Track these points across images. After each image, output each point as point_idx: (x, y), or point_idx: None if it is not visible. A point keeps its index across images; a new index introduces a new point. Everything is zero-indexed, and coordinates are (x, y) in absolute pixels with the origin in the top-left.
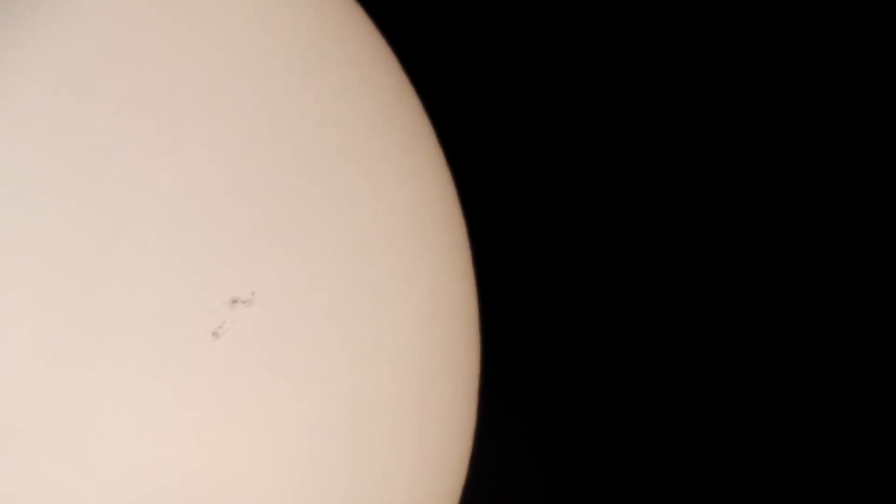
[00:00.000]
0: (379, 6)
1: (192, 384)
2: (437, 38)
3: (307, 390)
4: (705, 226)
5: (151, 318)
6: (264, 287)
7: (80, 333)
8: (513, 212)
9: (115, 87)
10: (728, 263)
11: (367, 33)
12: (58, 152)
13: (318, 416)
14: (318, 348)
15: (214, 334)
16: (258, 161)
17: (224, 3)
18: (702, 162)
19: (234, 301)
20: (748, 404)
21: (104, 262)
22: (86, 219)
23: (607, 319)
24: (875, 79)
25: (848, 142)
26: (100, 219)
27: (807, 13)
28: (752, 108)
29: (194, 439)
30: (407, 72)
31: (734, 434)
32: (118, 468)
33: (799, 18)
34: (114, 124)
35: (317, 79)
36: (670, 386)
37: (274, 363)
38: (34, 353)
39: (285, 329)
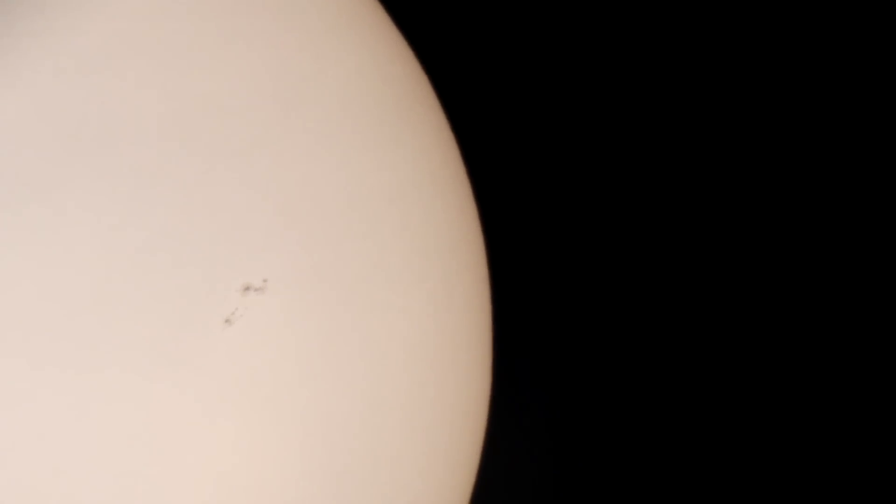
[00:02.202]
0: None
1: (204, 371)
2: (451, 29)
3: (319, 377)
4: (716, 224)
5: (164, 305)
6: (276, 274)
7: (92, 321)
8: (526, 201)
9: (130, 76)
10: (742, 266)
11: (380, 22)
12: (72, 140)
13: (330, 403)
14: (330, 335)
15: (227, 321)
16: (271, 149)
17: None
18: (717, 160)
19: (247, 288)
20: (754, 411)
21: (117, 249)
22: (99, 206)
23: (620, 310)
24: (875, 79)
25: (848, 142)
26: (113, 206)
27: (806, 13)
28: (768, 107)
29: (206, 425)
30: (422, 64)
31: (736, 432)
32: (130, 454)
33: (799, 18)
34: (127, 112)
35: (330, 67)
36: (684, 380)
37: (286, 350)
38: (47, 339)
39: (297, 316)
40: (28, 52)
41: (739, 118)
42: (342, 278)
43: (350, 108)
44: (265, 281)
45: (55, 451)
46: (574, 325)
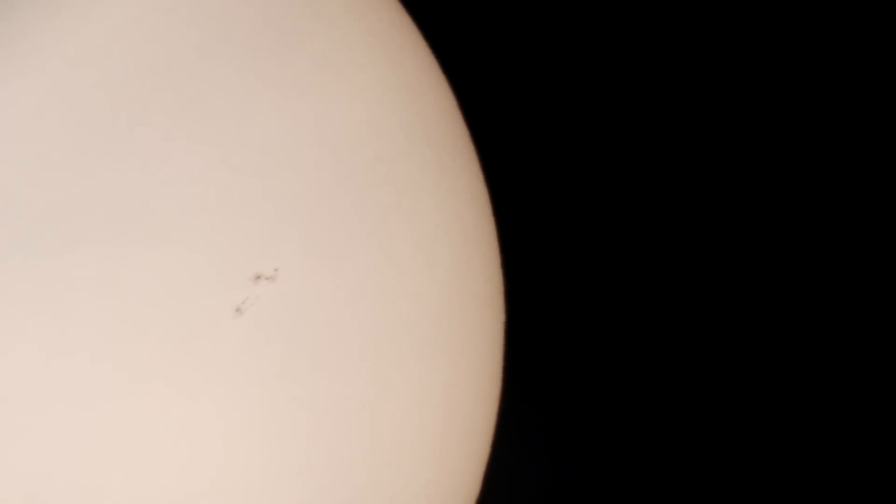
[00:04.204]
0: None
1: (215, 360)
2: (470, 28)
3: (330, 366)
4: (734, 226)
5: (175, 294)
6: (287, 263)
7: (101, 310)
8: (539, 191)
9: (141, 63)
10: (757, 270)
11: (395, 19)
12: (81, 129)
13: (341, 392)
14: (342, 324)
15: (238, 310)
16: (283, 138)
17: None
18: (733, 158)
19: (258, 277)
20: (761, 416)
21: (127, 238)
22: (109, 195)
23: (633, 303)
24: (875, 79)
25: (848, 142)
26: (124, 194)
27: (807, 13)
28: (779, 106)
29: (217, 415)
30: (435, 55)
31: (743, 439)
32: (141, 443)
33: (800, 18)
34: (138, 100)
35: (342, 55)
36: (697, 382)
37: (297, 339)
38: (55, 328)
39: (308, 305)
40: (36, 40)
41: (748, 118)
42: (353, 267)
43: (362, 97)
44: (276, 270)
45: (62, 442)
46: (587, 323)
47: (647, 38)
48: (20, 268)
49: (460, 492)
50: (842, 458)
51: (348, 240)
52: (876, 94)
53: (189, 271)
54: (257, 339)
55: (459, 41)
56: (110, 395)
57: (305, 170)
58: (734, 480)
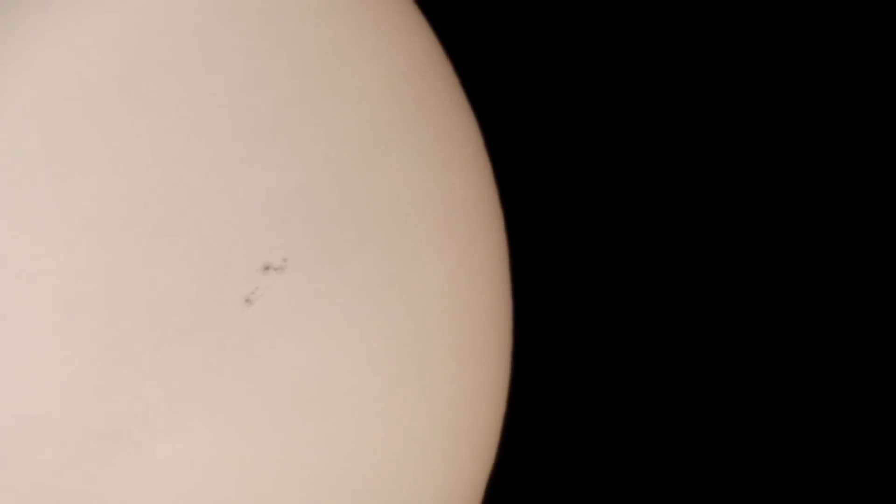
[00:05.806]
0: None
1: (224, 350)
2: (482, 27)
3: (338, 356)
4: (744, 224)
5: (185, 285)
6: (296, 254)
7: (112, 302)
8: (547, 186)
9: (151, 55)
10: (764, 267)
11: (407, 16)
12: (91, 120)
13: (350, 382)
14: (350, 314)
15: (247, 300)
16: (291, 129)
17: None
18: (743, 157)
19: (267, 268)
20: (766, 418)
21: (138, 228)
22: (119, 185)
23: (642, 298)
24: (875, 79)
25: (848, 142)
26: (133, 185)
27: (807, 13)
28: (783, 107)
29: (227, 404)
30: (443, 44)
31: (751, 446)
32: (146, 433)
33: (804, 18)
34: (147, 91)
35: (350, 45)
36: (709, 379)
37: (306, 329)
38: (65, 319)
39: (317, 295)
40: (47, 32)
41: (755, 116)
42: (362, 257)
43: (370, 87)
44: (285, 260)
45: (71, 430)
46: (596, 318)
47: (656, 36)
48: (20, 261)
49: (466, 487)
50: (842, 458)
51: (356, 231)
52: (876, 94)
53: (199, 261)
54: (267, 329)
55: (471, 38)
56: (119, 384)
57: (314, 161)
58: (738, 481)
